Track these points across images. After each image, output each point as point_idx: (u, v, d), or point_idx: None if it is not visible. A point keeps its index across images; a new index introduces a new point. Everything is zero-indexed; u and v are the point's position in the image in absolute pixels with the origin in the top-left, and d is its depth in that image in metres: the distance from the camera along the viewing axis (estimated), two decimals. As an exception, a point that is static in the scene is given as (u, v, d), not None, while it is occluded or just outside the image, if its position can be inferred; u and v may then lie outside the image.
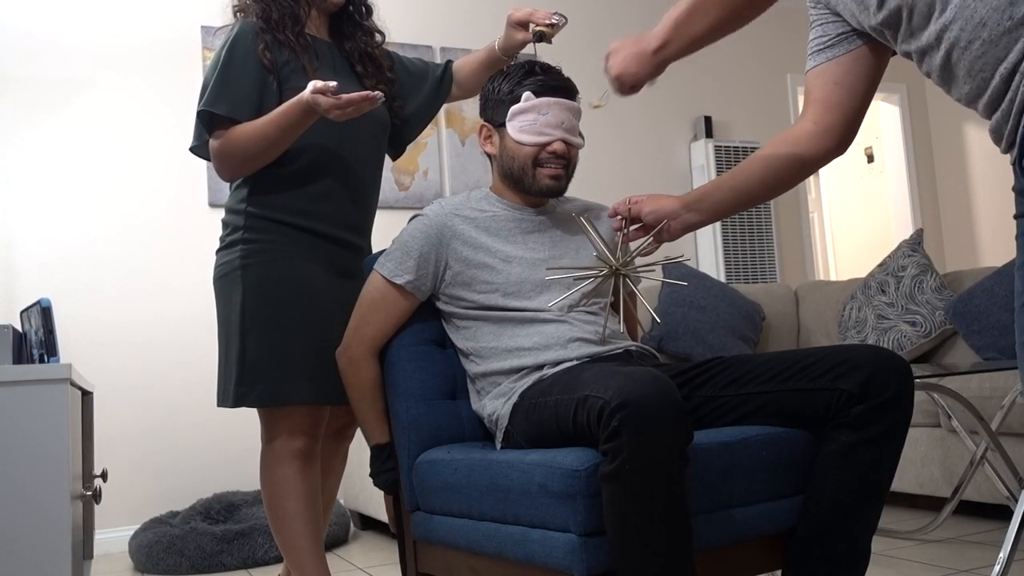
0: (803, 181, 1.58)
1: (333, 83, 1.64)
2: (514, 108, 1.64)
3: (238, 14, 1.89)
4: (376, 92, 1.66)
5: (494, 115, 1.69)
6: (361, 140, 1.89)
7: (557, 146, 1.63)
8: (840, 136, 1.39)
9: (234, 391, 1.78)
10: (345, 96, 1.64)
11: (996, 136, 1.08)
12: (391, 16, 4.38)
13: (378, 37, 2.01)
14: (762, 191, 1.51)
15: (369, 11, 2.01)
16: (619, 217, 1.63)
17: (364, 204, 1.94)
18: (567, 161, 1.66)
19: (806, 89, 1.42)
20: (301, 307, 1.79)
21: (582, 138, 1.71)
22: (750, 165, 1.51)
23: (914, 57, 1.15)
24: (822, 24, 1.34)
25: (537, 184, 1.65)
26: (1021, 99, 1.01)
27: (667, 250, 4.19)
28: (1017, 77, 1.01)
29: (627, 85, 1.44)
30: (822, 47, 1.35)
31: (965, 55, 1.06)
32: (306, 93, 1.66)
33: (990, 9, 1.03)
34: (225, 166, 1.79)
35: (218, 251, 1.87)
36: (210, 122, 1.77)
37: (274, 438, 1.83)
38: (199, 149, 1.84)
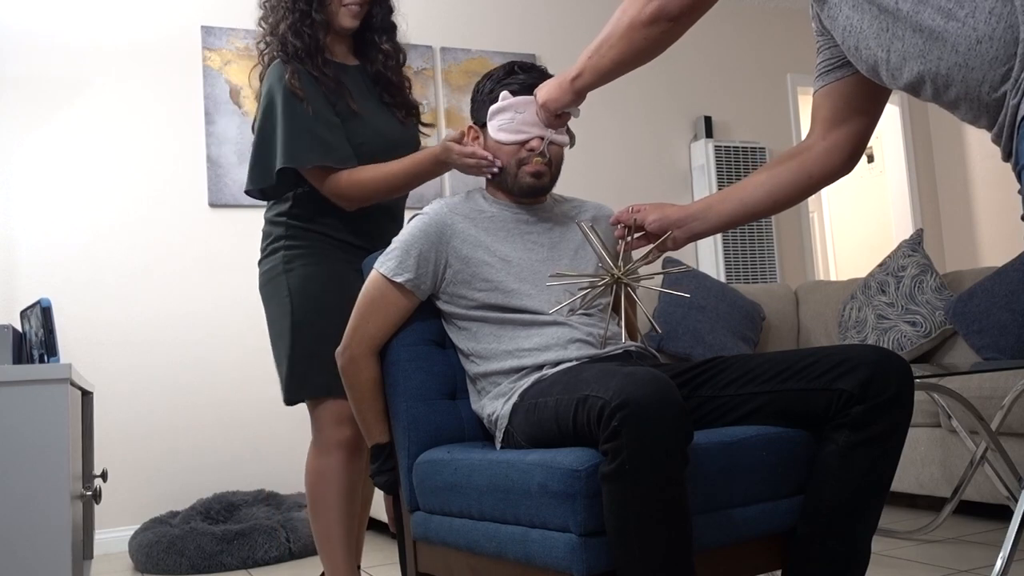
0: (809, 197, 1.62)
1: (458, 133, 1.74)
2: (492, 107, 1.65)
3: (264, 56, 1.93)
4: (494, 164, 1.68)
5: (479, 115, 1.71)
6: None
7: (535, 143, 1.62)
8: (848, 153, 1.42)
9: (287, 386, 1.87)
10: (478, 151, 1.69)
11: (996, 143, 1.09)
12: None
13: (402, 58, 2.03)
14: (768, 205, 1.52)
15: (390, 31, 2.01)
16: (622, 225, 1.62)
17: (400, 220, 2.02)
18: (548, 159, 1.65)
19: (814, 108, 1.44)
20: (340, 305, 1.84)
21: (571, 136, 1.70)
22: (757, 178, 1.52)
23: (907, 92, 1.17)
24: (829, 48, 1.36)
25: (518, 183, 1.65)
26: (1012, 114, 1.04)
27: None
28: (1008, 95, 1.04)
29: (551, 111, 1.55)
30: (830, 68, 1.37)
31: (952, 84, 1.09)
32: (439, 149, 1.74)
33: (954, 61, 1.06)
34: (348, 203, 1.85)
35: (260, 261, 1.95)
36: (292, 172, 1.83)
37: (322, 428, 1.89)
38: (257, 193, 1.91)
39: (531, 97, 1.62)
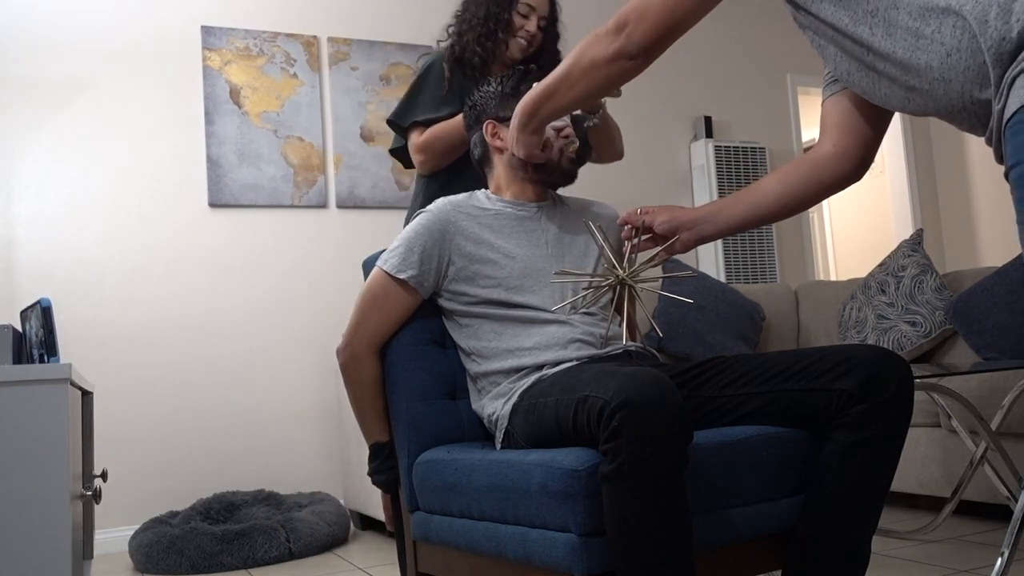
0: (819, 204, 1.64)
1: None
2: None
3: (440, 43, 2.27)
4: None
5: (499, 112, 1.73)
6: None
7: (569, 130, 1.71)
8: (858, 160, 1.42)
9: None
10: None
11: (990, 146, 1.12)
12: (391, 16, 4.37)
13: None
14: (779, 209, 1.52)
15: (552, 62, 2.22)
16: (629, 226, 1.62)
17: None
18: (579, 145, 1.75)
19: (823, 115, 1.45)
20: None
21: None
22: (768, 183, 1.52)
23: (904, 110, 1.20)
24: None
25: (560, 167, 1.71)
26: (998, 118, 1.06)
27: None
28: (992, 101, 1.06)
29: (531, 158, 1.66)
30: (837, 77, 1.37)
31: (938, 100, 1.11)
32: None
33: (933, 77, 1.09)
34: (422, 156, 2.17)
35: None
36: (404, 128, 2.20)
37: None
38: (405, 155, 2.26)
39: None
